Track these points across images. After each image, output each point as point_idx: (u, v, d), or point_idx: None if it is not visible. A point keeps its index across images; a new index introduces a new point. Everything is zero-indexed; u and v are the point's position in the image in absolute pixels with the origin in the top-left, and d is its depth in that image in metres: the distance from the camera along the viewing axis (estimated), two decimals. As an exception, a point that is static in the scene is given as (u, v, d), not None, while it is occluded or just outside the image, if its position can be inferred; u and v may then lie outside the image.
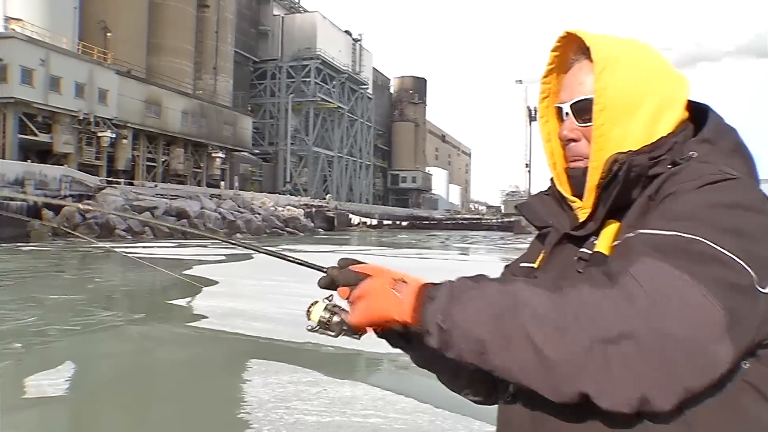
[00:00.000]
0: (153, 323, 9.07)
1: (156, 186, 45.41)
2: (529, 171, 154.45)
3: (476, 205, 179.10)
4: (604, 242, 0.99)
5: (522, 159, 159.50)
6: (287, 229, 47.83)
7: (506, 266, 1.26)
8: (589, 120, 1.02)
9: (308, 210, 58.59)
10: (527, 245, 1.24)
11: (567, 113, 1.07)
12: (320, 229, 55.49)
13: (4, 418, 4.91)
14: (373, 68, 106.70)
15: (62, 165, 37.09)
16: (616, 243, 0.95)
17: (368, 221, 71.06)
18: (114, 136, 43.98)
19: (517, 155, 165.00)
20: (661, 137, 1.00)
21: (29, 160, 35.02)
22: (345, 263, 1.05)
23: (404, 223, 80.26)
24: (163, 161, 53.20)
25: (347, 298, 1.02)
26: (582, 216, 1.06)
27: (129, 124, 46.72)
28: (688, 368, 0.74)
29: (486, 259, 26.95)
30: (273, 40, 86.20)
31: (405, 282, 0.93)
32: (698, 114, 1.05)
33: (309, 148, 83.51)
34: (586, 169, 1.03)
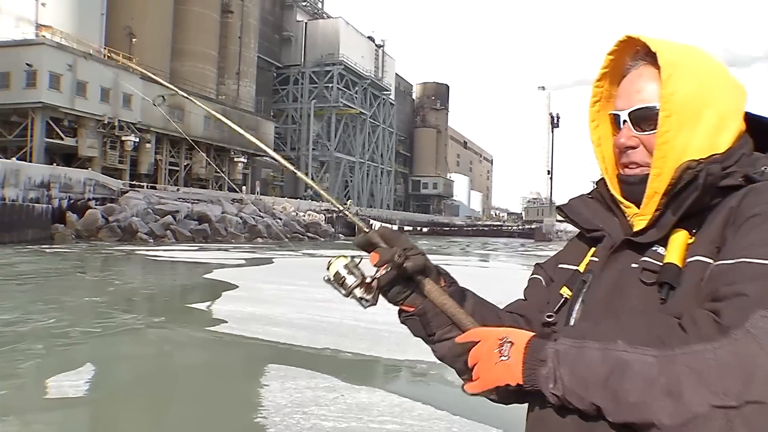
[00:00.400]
0: (172, 327, 9.13)
1: (178, 190, 45.77)
2: (550, 178, 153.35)
3: (497, 212, 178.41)
4: (674, 253, 0.95)
5: (543, 166, 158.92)
6: (308, 234, 47.98)
7: (537, 264, 1.23)
8: (648, 129, 1.01)
9: (329, 215, 58.72)
10: (548, 252, 1.20)
11: (624, 121, 1.04)
12: (341, 235, 55.57)
13: (26, 417, 4.97)
14: (396, 74, 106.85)
15: (86, 168, 37.52)
16: (693, 259, 0.92)
17: (389, 227, 71.00)
18: (137, 140, 44.44)
19: (538, 162, 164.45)
20: (730, 148, 0.97)
21: (55, 164, 35.46)
22: (384, 231, 1.07)
23: (425, 230, 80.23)
24: (186, 165, 53.65)
25: (375, 264, 1.02)
26: (638, 223, 1.03)
27: (152, 129, 47.17)
28: None
29: (506, 266, 26.84)
30: (296, 46, 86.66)
31: (511, 342, 0.91)
32: (751, 125, 1.03)
33: (331, 153, 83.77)
34: (643, 176, 1.01)
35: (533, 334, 0.92)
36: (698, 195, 0.95)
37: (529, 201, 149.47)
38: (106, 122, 41.41)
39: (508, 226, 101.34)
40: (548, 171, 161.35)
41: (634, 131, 1.02)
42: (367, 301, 1.02)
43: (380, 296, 1.03)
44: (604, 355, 0.81)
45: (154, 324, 9.28)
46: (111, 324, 8.83)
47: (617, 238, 1.05)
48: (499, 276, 20.68)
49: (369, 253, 1.04)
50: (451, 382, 6.37)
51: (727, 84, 1.01)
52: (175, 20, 55.95)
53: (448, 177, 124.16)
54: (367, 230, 1.07)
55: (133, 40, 49.74)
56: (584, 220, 1.13)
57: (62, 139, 39.23)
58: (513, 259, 31.77)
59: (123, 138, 43.17)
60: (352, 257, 1.04)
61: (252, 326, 8.81)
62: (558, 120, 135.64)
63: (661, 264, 0.95)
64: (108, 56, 44.25)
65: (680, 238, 0.96)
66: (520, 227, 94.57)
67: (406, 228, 75.90)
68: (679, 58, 0.99)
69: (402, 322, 1.10)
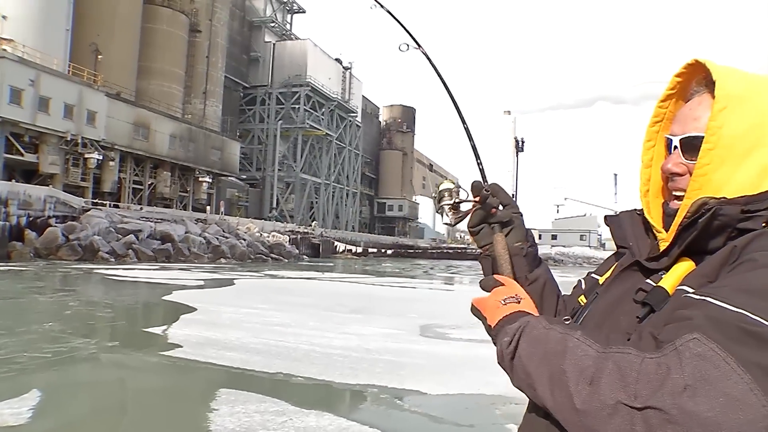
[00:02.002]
0: (127, 352, 9.05)
1: (141, 209, 45.31)
2: (515, 201, 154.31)
3: (462, 235, 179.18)
4: (670, 279, 0.98)
5: (509, 189, 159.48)
6: (272, 255, 47.74)
7: (588, 273, 1.31)
8: (697, 158, 0.98)
9: (294, 236, 58.56)
10: None
11: (675, 147, 1.04)
12: (305, 256, 55.47)
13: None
14: (363, 96, 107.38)
15: (47, 185, 36.97)
16: (679, 287, 0.93)
17: (353, 249, 71.12)
18: (101, 157, 43.98)
19: (504, 185, 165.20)
20: (766, 191, 0.93)
21: (14, 180, 34.89)
22: (497, 186, 1.28)
23: (389, 252, 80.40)
24: (150, 184, 53.18)
25: (476, 201, 1.26)
26: (662, 248, 1.04)
27: (116, 147, 46.75)
28: None
29: (469, 289, 27.02)
30: (263, 67, 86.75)
31: (518, 301, 1.05)
32: None
33: (296, 174, 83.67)
34: None
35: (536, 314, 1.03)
36: (698, 234, 0.95)
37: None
38: (68, 139, 40.92)
39: (472, 248, 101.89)
40: (513, 194, 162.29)
41: (683, 158, 1.02)
42: (448, 218, 1.29)
43: (470, 236, 1.30)
44: (561, 338, 0.89)
45: (107, 349, 9.19)
46: (63, 349, 8.70)
47: (636, 258, 1.08)
48: (459, 300, 20.86)
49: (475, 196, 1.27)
50: (400, 405, 6.47)
51: None
52: (143, 38, 55.70)
53: (413, 199, 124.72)
54: (485, 182, 1.28)
55: (99, 57, 49.33)
56: (619, 234, 1.16)
57: (22, 155, 38.62)
58: (475, 283, 31.90)
59: (86, 155, 42.69)
60: (458, 186, 1.28)
61: (207, 351, 8.80)
62: (523, 144, 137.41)
63: (654, 285, 0.99)
64: (72, 72, 43.87)
65: (683, 267, 0.98)
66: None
67: (370, 250, 76.00)
68: (739, 91, 0.96)
69: (478, 260, 1.31)
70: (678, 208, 1.02)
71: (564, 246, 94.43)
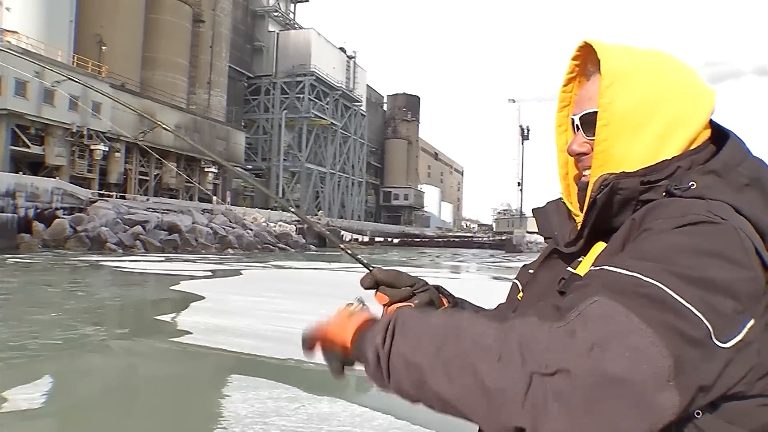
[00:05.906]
0: (137, 339, 9.05)
1: (148, 200, 45.37)
2: (521, 189, 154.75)
3: (468, 223, 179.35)
4: (585, 264, 0.96)
5: (514, 177, 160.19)
6: (279, 245, 47.77)
7: (524, 265, 1.23)
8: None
9: (300, 226, 58.58)
10: (516, 264, 1.21)
11: (578, 126, 1.02)
12: (312, 246, 55.45)
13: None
14: (367, 85, 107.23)
15: (54, 177, 37.02)
16: (591, 269, 0.89)
17: (360, 238, 71.10)
18: (107, 149, 44.02)
19: (509, 174, 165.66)
20: (664, 160, 0.93)
21: (21, 172, 34.96)
22: (388, 273, 1.15)
23: (395, 241, 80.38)
24: (156, 175, 53.23)
25: (384, 305, 1.13)
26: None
27: (122, 138, 46.74)
28: (626, 411, 0.69)
29: (476, 277, 26.99)
30: (268, 56, 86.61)
31: (367, 319, 0.92)
32: (724, 138, 0.96)
33: (302, 164, 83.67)
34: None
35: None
36: (600, 210, 0.94)
37: (499, 212, 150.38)
38: (74, 131, 40.94)
39: (478, 237, 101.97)
40: (518, 183, 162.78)
41: (585, 137, 1.00)
42: None
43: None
44: (446, 320, 0.81)
45: (117, 336, 9.21)
46: (73, 336, 8.72)
47: (556, 245, 1.06)
48: (466, 287, 20.83)
49: (375, 292, 1.15)
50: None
51: (683, 90, 0.95)
52: (146, 29, 55.63)
53: (418, 188, 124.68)
54: (371, 269, 1.15)
55: (103, 48, 49.32)
56: (544, 226, 1.12)
57: (29, 147, 38.65)
58: (482, 272, 31.93)
59: (92, 147, 42.74)
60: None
61: (217, 337, 8.78)
62: (528, 132, 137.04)
63: (572, 273, 0.97)
64: (77, 64, 43.83)
65: (597, 250, 0.95)
66: (491, 238, 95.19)
67: (377, 239, 76.04)
68: (625, 66, 0.96)
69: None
70: (586, 181, 1.00)
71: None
